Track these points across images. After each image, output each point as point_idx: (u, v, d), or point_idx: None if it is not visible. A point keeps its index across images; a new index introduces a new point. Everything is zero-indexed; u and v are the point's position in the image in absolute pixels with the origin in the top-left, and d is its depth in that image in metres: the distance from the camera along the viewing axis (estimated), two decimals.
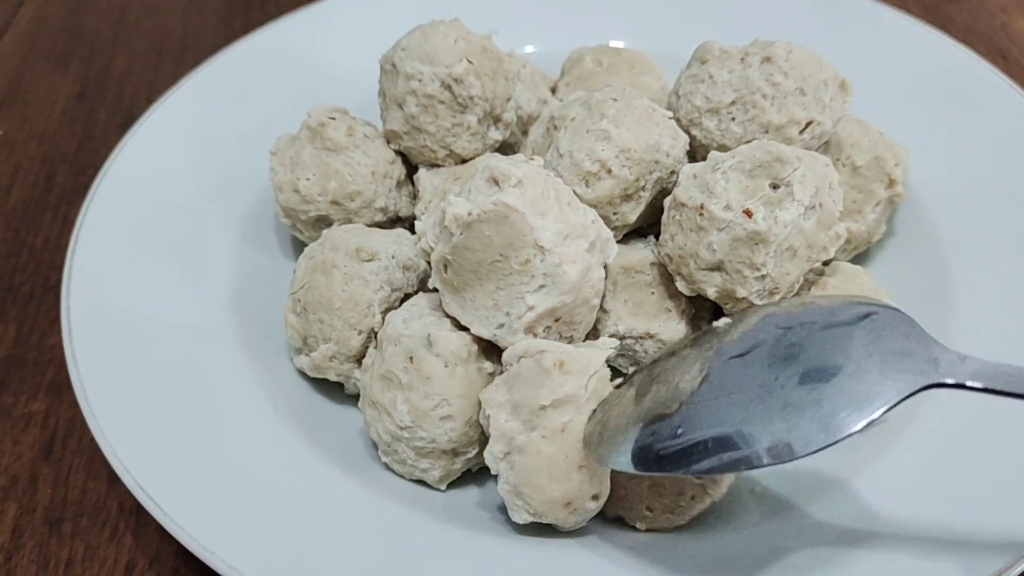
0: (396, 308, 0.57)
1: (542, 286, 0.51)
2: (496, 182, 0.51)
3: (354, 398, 0.59)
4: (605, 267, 0.55)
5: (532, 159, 0.53)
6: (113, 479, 0.60)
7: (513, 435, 0.50)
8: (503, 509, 0.55)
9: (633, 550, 0.51)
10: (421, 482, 0.56)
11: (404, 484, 0.56)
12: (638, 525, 0.53)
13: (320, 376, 0.59)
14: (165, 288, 0.63)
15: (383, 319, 0.57)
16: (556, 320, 0.53)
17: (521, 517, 0.51)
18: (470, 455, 0.55)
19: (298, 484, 0.54)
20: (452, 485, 0.56)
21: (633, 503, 0.53)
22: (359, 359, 0.58)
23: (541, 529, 0.52)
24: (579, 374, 0.49)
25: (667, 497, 0.52)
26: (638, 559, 0.50)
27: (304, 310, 0.59)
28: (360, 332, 0.58)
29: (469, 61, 0.62)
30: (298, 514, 0.52)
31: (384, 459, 0.56)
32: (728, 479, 0.52)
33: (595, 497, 0.50)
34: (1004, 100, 0.73)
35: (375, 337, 0.58)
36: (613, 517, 0.54)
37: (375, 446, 0.56)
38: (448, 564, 0.50)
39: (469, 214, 0.50)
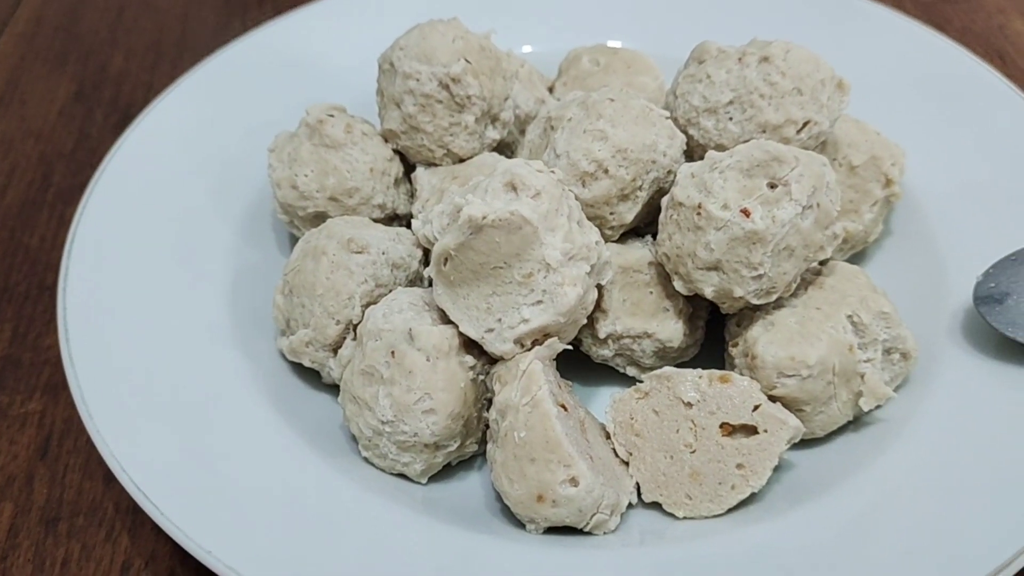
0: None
1: (540, 302, 0.52)
2: (514, 188, 0.51)
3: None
4: (599, 287, 0.56)
5: (552, 171, 0.53)
6: (109, 479, 0.60)
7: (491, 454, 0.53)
8: (482, 502, 0.56)
9: (608, 552, 0.51)
10: (402, 476, 0.56)
11: (394, 479, 0.56)
12: (677, 512, 0.53)
13: (296, 360, 0.60)
14: (162, 287, 0.63)
15: (363, 312, 0.57)
16: (546, 335, 0.54)
17: (529, 528, 0.52)
18: (451, 448, 0.55)
19: (293, 484, 0.53)
20: (433, 478, 0.56)
21: (673, 490, 0.53)
22: (335, 348, 0.59)
23: (553, 530, 0.53)
24: (512, 381, 0.52)
25: (707, 485, 0.53)
26: (608, 561, 0.51)
27: (290, 292, 0.60)
28: (338, 322, 0.58)
29: (467, 60, 0.62)
30: (293, 513, 0.52)
31: (364, 453, 0.56)
32: (768, 470, 0.52)
33: (571, 480, 0.50)
34: (1001, 100, 0.74)
35: (353, 329, 0.58)
36: (651, 502, 0.54)
37: (355, 440, 0.56)
38: (434, 558, 0.50)
39: (484, 217, 0.50)
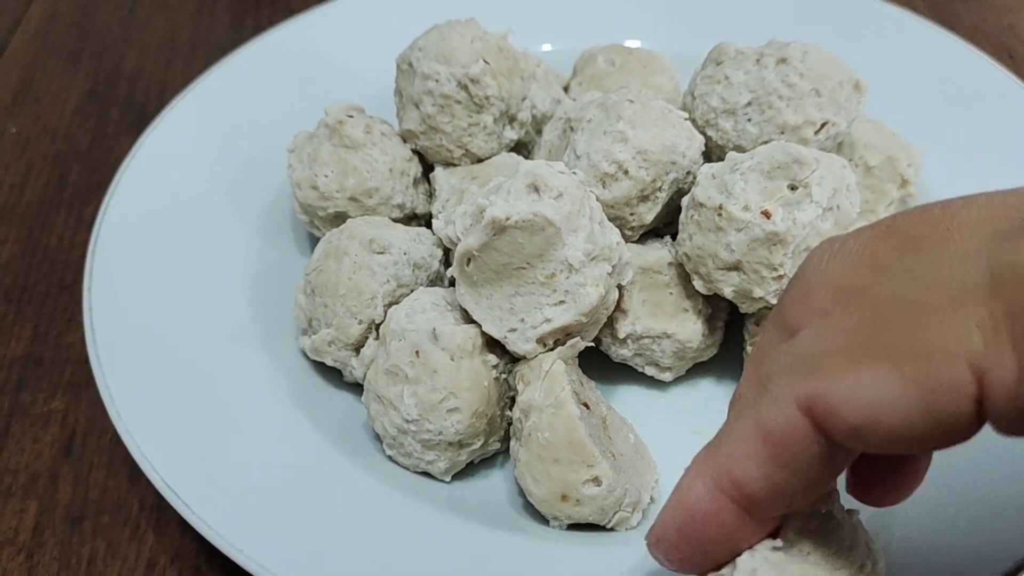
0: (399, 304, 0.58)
1: (562, 302, 0.53)
2: (536, 189, 0.51)
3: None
4: (619, 287, 0.56)
5: (574, 173, 0.54)
6: (133, 477, 0.61)
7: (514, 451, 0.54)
8: (505, 499, 0.56)
9: (630, 548, 0.51)
10: (426, 474, 0.56)
11: (418, 477, 0.56)
12: None
13: (318, 359, 0.60)
14: (184, 286, 0.64)
15: (385, 312, 0.58)
16: (567, 335, 0.54)
17: (553, 525, 0.53)
18: (475, 447, 0.55)
19: (319, 481, 0.54)
20: (456, 476, 0.57)
21: None
22: (357, 348, 0.59)
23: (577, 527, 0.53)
24: (535, 381, 0.52)
25: None
26: (631, 557, 0.51)
27: (312, 292, 0.60)
28: (360, 322, 0.58)
29: (486, 61, 0.63)
30: (320, 511, 0.52)
31: (388, 452, 0.56)
32: None
33: (595, 480, 0.51)
34: (1012, 99, 0.74)
35: (375, 329, 0.59)
36: None
37: (379, 439, 0.57)
38: (459, 554, 0.51)
39: (507, 218, 0.50)
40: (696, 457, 0.38)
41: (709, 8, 0.83)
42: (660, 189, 0.59)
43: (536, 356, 0.54)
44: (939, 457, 0.45)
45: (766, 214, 0.53)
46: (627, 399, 0.62)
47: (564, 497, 0.51)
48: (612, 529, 0.53)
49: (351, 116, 0.66)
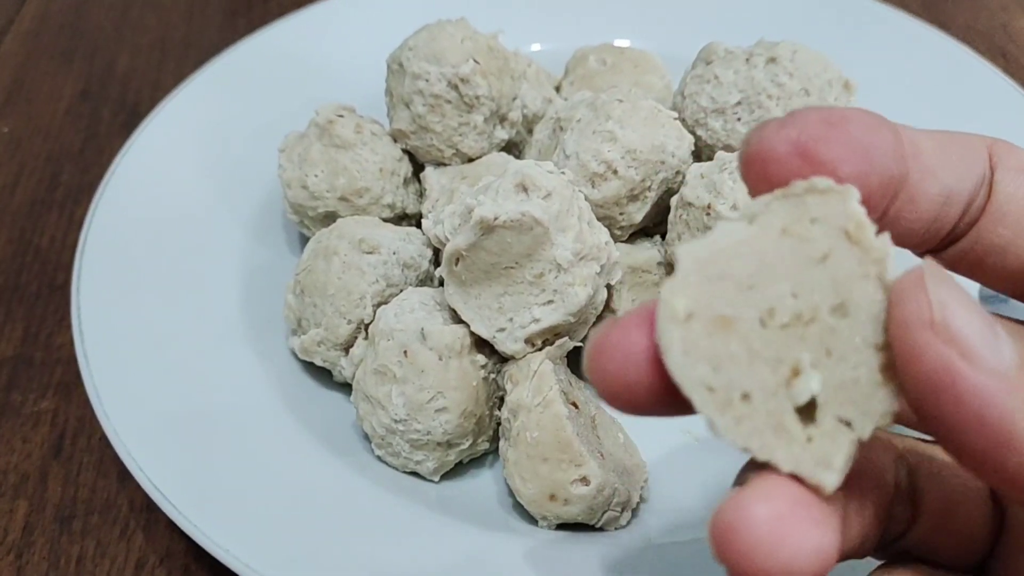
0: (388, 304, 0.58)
1: (550, 301, 0.53)
2: (525, 189, 0.51)
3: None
4: (608, 287, 0.56)
5: (563, 172, 0.54)
6: (123, 477, 0.61)
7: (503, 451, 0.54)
8: (494, 499, 0.56)
9: (619, 548, 0.52)
10: (415, 474, 0.56)
11: (407, 477, 0.56)
12: None
13: (308, 359, 0.60)
14: (173, 286, 0.64)
15: (374, 312, 0.58)
16: (556, 335, 0.54)
17: (541, 524, 0.53)
18: (463, 446, 0.55)
19: (308, 481, 0.54)
20: (445, 476, 0.57)
21: None
22: (346, 348, 0.59)
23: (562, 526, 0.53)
24: (524, 381, 0.52)
25: None
26: (619, 556, 0.51)
27: (302, 292, 0.60)
28: (350, 322, 0.58)
29: (476, 61, 0.63)
30: (308, 510, 0.52)
31: (377, 452, 0.56)
32: None
33: (583, 480, 0.51)
34: (1005, 98, 0.74)
35: (365, 329, 0.59)
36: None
37: (368, 439, 0.57)
38: (449, 554, 0.51)
39: (496, 218, 0.50)
40: None
41: (700, 8, 0.83)
42: (649, 189, 0.59)
43: (525, 356, 0.54)
44: None
45: None
46: None
47: (552, 497, 0.51)
48: (601, 529, 0.53)
49: (341, 116, 0.66)
